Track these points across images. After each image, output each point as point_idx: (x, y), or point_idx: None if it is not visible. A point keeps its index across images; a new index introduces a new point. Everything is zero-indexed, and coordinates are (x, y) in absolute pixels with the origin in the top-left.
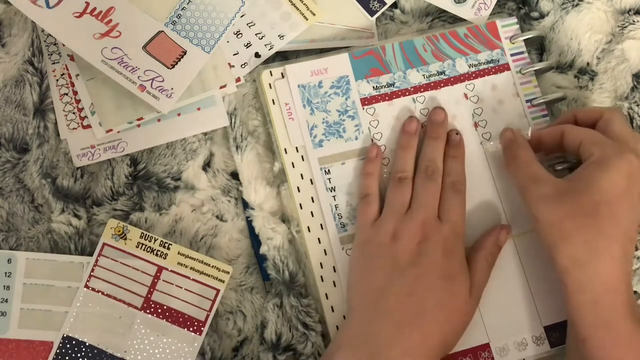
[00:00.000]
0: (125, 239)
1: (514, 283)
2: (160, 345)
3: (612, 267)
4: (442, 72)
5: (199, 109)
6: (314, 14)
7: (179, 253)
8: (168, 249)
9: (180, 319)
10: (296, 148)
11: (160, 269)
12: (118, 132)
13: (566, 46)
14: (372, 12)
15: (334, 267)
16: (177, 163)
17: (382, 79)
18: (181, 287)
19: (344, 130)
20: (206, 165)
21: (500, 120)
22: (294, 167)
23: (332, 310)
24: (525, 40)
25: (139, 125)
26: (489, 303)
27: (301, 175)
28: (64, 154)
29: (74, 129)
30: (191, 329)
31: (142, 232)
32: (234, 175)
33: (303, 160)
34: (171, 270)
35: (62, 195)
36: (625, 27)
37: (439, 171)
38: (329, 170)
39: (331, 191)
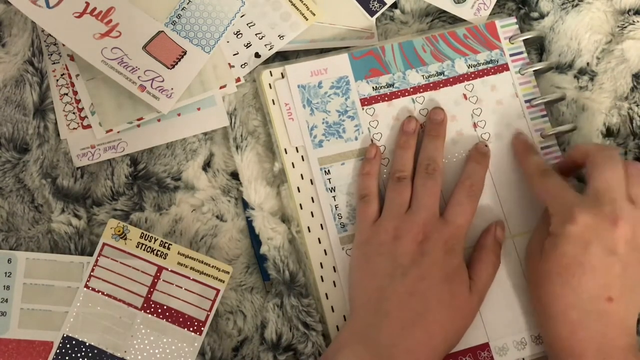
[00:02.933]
0: (125, 239)
1: (513, 282)
2: (160, 345)
3: (569, 331)
4: (442, 73)
5: (199, 109)
6: (313, 14)
7: (179, 253)
8: (168, 249)
9: (180, 319)
10: (296, 148)
11: (160, 269)
12: (118, 132)
13: (566, 46)
14: (372, 13)
15: (334, 267)
16: (177, 163)
17: (381, 79)
18: (181, 287)
19: (343, 131)
20: (206, 165)
21: (500, 120)
22: (294, 167)
23: (333, 310)
24: (525, 41)
25: (139, 126)
26: (488, 302)
27: (301, 175)
28: (64, 154)
29: (74, 129)
30: (191, 329)
31: (142, 232)
32: (234, 175)
33: (303, 160)
34: (171, 270)
35: (62, 195)
36: (625, 27)
37: (439, 169)
38: (328, 170)
39: (331, 191)
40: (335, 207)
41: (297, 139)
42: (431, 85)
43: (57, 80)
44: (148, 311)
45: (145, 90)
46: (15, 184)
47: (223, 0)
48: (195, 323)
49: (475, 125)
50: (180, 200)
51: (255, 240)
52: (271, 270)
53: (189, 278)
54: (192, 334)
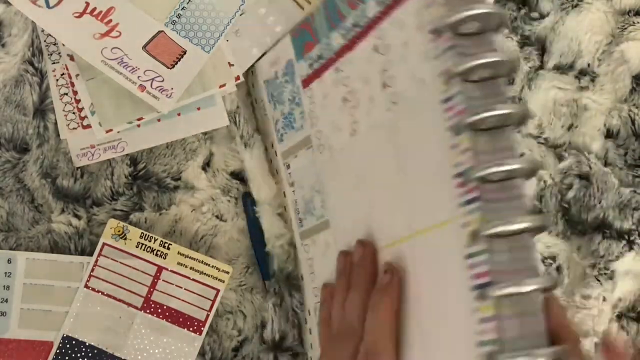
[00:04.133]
0: (125, 239)
1: None
2: (160, 345)
3: None
4: (357, 24)
5: (198, 108)
6: (309, 2)
7: (178, 253)
8: (168, 248)
9: (180, 319)
10: (271, 143)
11: (160, 269)
12: (118, 132)
13: (567, 47)
14: None
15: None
16: (177, 163)
17: (313, 52)
18: (181, 287)
19: (294, 120)
20: (206, 165)
21: (407, 70)
22: (271, 162)
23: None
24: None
25: (139, 125)
26: None
27: (276, 170)
28: (64, 154)
29: (73, 129)
30: (191, 329)
31: (142, 232)
32: (234, 174)
33: (276, 155)
34: (171, 270)
35: (62, 195)
36: (625, 28)
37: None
38: (289, 165)
39: (291, 186)
40: (295, 202)
41: (271, 134)
42: (348, 45)
43: (57, 80)
44: (148, 311)
45: (145, 90)
46: (15, 184)
47: (223, 0)
48: (195, 323)
49: (384, 85)
50: (180, 200)
51: (255, 239)
52: (276, 267)
53: (188, 278)
54: (192, 334)
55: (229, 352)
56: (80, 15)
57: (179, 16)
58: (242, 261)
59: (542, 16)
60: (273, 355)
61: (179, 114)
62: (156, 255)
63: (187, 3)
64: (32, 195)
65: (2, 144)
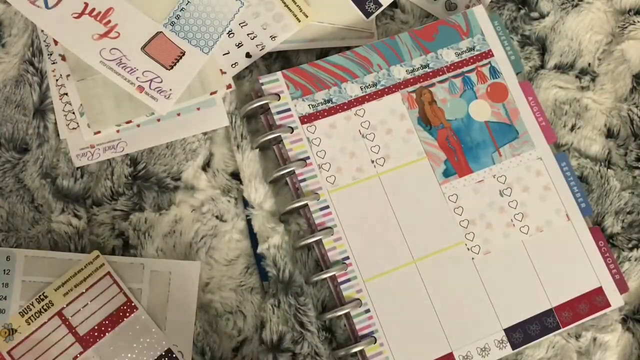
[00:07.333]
0: (16, 332)
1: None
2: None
3: None
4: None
5: (198, 109)
6: (306, 16)
7: (55, 289)
8: (45, 296)
9: (114, 318)
10: None
11: (59, 313)
12: (117, 131)
13: (567, 47)
14: (367, 14)
15: None
16: (177, 163)
17: None
18: (89, 303)
19: None
20: (206, 165)
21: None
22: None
23: None
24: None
25: (138, 125)
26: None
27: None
28: (64, 154)
29: (73, 129)
30: (128, 313)
31: (20, 312)
32: (234, 175)
33: None
34: (68, 305)
35: (62, 195)
36: (626, 27)
37: None
38: None
39: None
40: None
41: None
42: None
43: (57, 80)
44: (90, 343)
45: (143, 91)
46: (15, 184)
47: (222, 1)
48: (128, 305)
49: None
50: (180, 201)
51: (254, 239)
52: (270, 269)
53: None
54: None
55: (229, 352)
56: (79, 15)
57: (177, 17)
58: (241, 262)
59: (542, 16)
60: (272, 356)
61: (178, 114)
62: (45, 310)
63: (186, 4)
64: (32, 195)
65: (2, 144)
